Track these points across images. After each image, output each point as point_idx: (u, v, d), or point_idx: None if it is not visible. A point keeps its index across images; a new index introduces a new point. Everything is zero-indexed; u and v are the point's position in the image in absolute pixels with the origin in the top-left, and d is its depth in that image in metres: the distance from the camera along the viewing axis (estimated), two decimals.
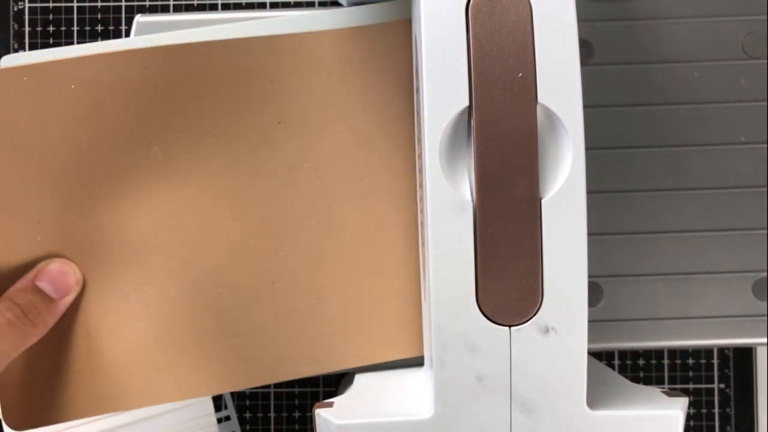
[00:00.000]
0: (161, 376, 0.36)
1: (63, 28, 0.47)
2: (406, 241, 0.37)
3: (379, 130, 0.37)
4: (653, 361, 0.46)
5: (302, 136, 0.37)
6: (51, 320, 0.35)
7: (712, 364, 0.46)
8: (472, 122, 0.31)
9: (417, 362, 0.38)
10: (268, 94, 0.37)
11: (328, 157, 0.37)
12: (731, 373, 0.46)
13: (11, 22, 0.47)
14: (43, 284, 0.35)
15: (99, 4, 0.46)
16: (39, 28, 0.47)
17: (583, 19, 0.34)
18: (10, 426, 0.36)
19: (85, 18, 0.47)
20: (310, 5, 0.46)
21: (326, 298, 0.37)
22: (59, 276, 0.36)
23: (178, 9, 0.46)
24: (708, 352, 0.46)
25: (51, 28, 0.47)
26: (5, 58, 0.38)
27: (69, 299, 0.36)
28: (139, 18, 0.41)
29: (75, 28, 0.47)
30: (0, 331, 0.33)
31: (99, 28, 0.47)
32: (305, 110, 0.37)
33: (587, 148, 0.31)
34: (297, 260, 0.37)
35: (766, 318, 0.40)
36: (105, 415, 0.42)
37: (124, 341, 0.36)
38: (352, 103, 0.37)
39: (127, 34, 0.44)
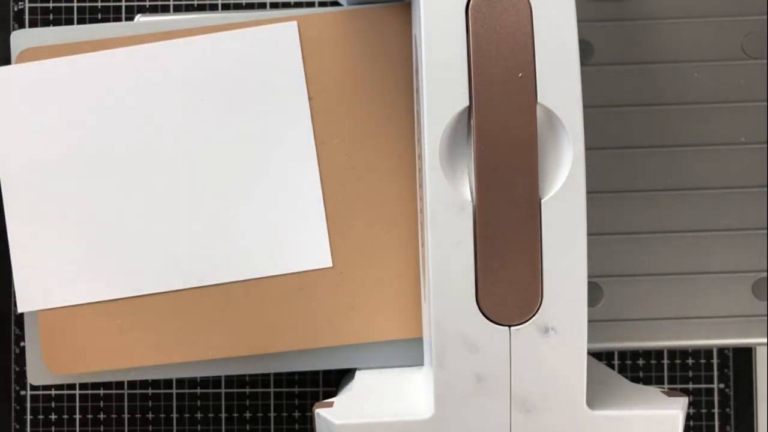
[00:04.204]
0: (194, 337, 0.39)
1: None
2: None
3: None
4: (653, 361, 0.46)
5: (332, 112, 0.38)
6: None
7: (712, 364, 0.46)
8: (472, 122, 0.31)
9: (417, 362, 0.39)
10: (300, 71, 0.38)
11: (357, 133, 0.38)
12: (731, 373, 0.46)
13: (11, 22, 0.47)
14: None
15: (99, 4, 0.46)
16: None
17: (583, 19, 0.34)
18: (50, 367, 0.39)
19: (86, 18, 0.47)
20: (310, 5, 0.46)
21: (349, 273, 0.38)
22: None
23: (178, 9, 0.46)
24: (708, 352, 0.46)
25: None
26: (14, 33, 0.39)
27: None
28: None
29: None
30: None
31: None
32: (337, 86, 0.38)
33: (587, 148, 0.31)
34: None
35: (766, 318, 0.40)
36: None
37: (162, 303, 0.39)
38: (382, 80, 0.38)
39: None
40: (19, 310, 0.39)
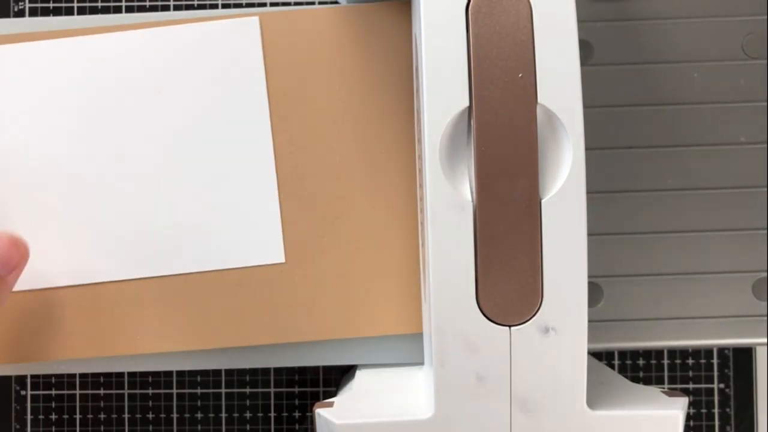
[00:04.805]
0: (142, 328, 0.38)
1: None
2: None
3: (375, 104, 0.38)
4: (653, 361, 0.46)
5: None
6: (2, 295, 0.36)
7: (712, 364, 0.46)
8: (472, 122, 0.31)
9: (417, 362, 0.39)
10: (260, 67, 0.38)
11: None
12: (731, 373, 0.46)
13: None
14: None
15: (99, 4, 0.46)
16: None
17: (583, 19, 0.34)
18: None
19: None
20: (310, 4, 0.46)
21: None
22: (5, 252, 0.36)
23: (178, 9, 0.46)
24: (708, 352, 0.46)
25: None
26: None
27: (17, 273, 0.36)
28: None
29: None
30: None
31: None
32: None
33: (587, 148, 0.31)
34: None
35: (766, 318, 0.40)
36: None
37: (124, 294, 0.38)
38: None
39: None
40: None
